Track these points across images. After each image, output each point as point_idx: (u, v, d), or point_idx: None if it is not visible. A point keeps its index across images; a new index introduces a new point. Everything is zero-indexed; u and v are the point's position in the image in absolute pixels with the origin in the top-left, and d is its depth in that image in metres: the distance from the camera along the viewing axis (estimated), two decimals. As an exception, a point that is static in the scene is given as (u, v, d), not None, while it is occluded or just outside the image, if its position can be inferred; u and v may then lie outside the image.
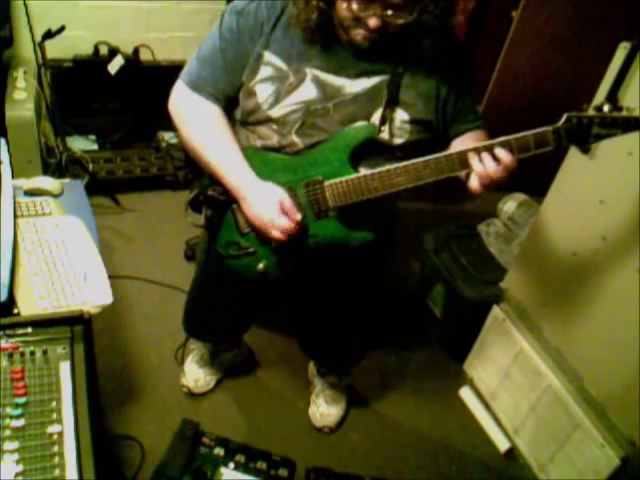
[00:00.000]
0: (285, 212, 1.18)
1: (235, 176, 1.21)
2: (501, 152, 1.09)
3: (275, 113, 1.19)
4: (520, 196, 2.38)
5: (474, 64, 1.35)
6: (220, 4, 2.72)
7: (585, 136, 1.08)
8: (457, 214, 3.12)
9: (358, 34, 1.09)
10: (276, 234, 1.19)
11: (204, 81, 1.22)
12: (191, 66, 1.24)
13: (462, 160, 1.12)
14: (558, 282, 1.72)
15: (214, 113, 1.24)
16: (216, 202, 1.28)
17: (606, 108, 1.06)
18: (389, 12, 1.02)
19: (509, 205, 2.36)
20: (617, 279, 1.51)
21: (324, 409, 1.92)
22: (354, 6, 1.04)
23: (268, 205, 1.18)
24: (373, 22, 1.04)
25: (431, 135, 1.24)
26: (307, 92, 1.17)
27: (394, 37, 1.09)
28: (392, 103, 1.17)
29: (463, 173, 1.15)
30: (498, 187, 1.14)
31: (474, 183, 1.12)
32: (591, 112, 1.07)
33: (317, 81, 1.17)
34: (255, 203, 1.20)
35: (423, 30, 1.08)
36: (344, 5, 1.05)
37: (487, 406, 2.06)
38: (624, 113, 1.06)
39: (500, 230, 2.34)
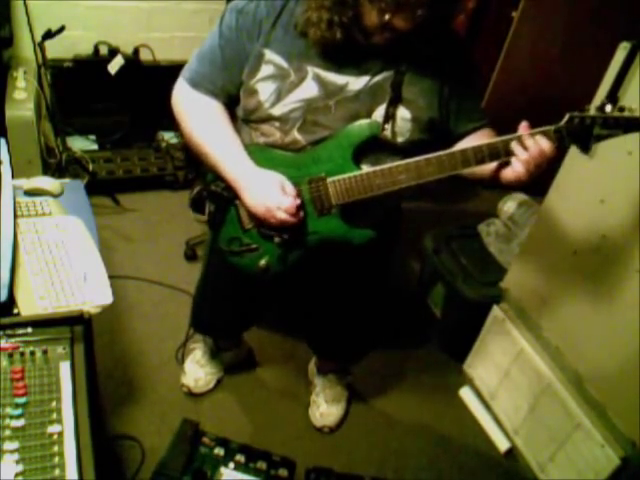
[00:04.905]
0: (286, 193, 1.19)
1: (233, 167, 1.22)
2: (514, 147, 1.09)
3: (277, 111, 1.19)
4: (520, 196, 2.38)
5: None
6: (220, 4, 2.72)
7: (587, 136, 1.08)
8: (457, 214, 3.12)
9: (382, 37, 1.08)
10: (281, 215, 1.18)
11: (203, 78, 1.23)
12: (191, 63, 1.25)
13: (464, 158, 1.12)
14: (558, 282, 1.72)
15: (213, 108, 1.24)
16: (219, 198, 1.28)
17: (608, 108, 1.05)
18: (419, 12, 1.01)
19: (509, 205, 2.36)
20: (617, 279, 1.51)
21: (324, 409, 1.92)
22: (387, 16, 1.03)
23: (270, 188, 1.18)
24: (403, 25, 1.04)
25: (434, 135, 1.24)
26: (308, 90, 1.17)
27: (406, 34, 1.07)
28: (395, 101, 1.17)
29: (472, 170, 1.15)
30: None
31: (517, 168, 1.10)
32: (593, 112, 1.07)
33: (318, 79, 1.17)
34: (256, 189, 1.20)
35: (428, 28, 1.07)
36: (374, 15, 1.04)
37: (487, 406, 2.06)
38: (626, 113, 1.05)
39: (500, 230, 2.34)
